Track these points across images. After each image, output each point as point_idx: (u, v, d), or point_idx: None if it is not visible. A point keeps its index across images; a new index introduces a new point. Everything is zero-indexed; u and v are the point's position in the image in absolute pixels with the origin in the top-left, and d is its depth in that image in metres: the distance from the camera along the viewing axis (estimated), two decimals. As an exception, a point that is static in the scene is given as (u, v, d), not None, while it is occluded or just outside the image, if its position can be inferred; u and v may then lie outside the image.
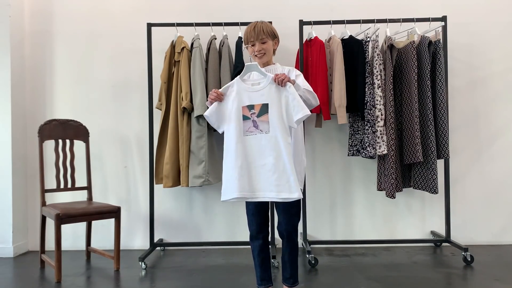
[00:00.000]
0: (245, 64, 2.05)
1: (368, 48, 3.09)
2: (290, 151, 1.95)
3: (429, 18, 3.09)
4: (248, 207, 2.16)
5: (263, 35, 2.10)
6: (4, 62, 3.28)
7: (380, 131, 2.99)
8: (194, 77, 3.07)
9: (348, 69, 3.06)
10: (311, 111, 2.83)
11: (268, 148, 1.95)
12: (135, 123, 3.47)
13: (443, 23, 3.10)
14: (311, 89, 2.08)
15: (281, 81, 1.96)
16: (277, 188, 1.93)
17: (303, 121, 3.21)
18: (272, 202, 2.16)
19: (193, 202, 3.48)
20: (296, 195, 1.92)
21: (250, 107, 1.99)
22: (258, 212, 2.14)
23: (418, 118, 2.95)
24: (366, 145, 3.04)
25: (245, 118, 1.99)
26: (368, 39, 3.11)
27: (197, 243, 3.39)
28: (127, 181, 3.50)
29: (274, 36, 2.16)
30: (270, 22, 3.12)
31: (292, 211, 2.12)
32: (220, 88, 2.09)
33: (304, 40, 3.18)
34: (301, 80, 2.09)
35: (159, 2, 3.50)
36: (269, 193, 1.94)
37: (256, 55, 2.12)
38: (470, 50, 3.44)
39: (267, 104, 1.98)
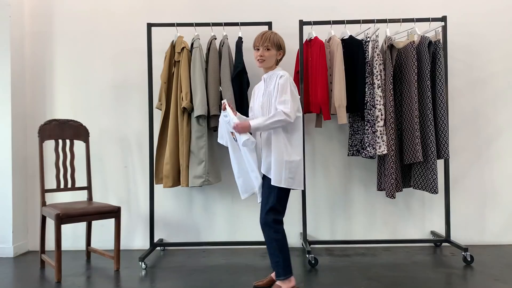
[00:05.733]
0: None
1: (368, 48, 3.09)
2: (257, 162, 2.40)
3: (429, 18, 3.09)
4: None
5: (268, 42, 2.31)
6: (4, 62, 3.28)
7: (380, 131, 2.98)
8: (194, 77, 3.07)
9: (348, 69, 3.06)
10: (311, 111, 3.01)
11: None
12: (135, 123, 3.47)
13: (443, 23, 3.10)
14: (272, 115, 2.27)
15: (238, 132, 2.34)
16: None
17: (303, 121, 3.23)
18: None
19: (193, 202, 3.48)
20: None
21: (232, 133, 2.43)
22: None
23: (418, 118, 2.95)
24: (366, 145, 3.04)
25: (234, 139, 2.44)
26: (368, 39, 3.11)
27: (197, 243, 3.39)
28: (127, 181, 3.50)
29: (279, 47, 2.36)
30: (270, 22, 3.16)
31: (267, 205, 2.30)
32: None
33: (304, 40, 3.18)
34: (280, 87, 2.28)
35: (159, 2, 3.50)
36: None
37: (258, 59, 2.35)
38: (470, 50, 3.44)
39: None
